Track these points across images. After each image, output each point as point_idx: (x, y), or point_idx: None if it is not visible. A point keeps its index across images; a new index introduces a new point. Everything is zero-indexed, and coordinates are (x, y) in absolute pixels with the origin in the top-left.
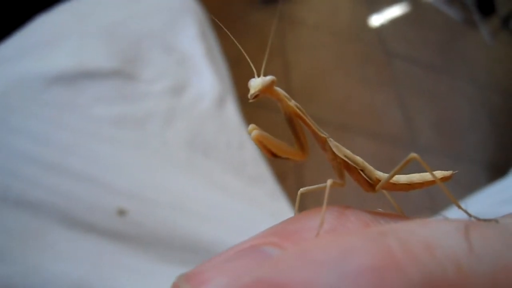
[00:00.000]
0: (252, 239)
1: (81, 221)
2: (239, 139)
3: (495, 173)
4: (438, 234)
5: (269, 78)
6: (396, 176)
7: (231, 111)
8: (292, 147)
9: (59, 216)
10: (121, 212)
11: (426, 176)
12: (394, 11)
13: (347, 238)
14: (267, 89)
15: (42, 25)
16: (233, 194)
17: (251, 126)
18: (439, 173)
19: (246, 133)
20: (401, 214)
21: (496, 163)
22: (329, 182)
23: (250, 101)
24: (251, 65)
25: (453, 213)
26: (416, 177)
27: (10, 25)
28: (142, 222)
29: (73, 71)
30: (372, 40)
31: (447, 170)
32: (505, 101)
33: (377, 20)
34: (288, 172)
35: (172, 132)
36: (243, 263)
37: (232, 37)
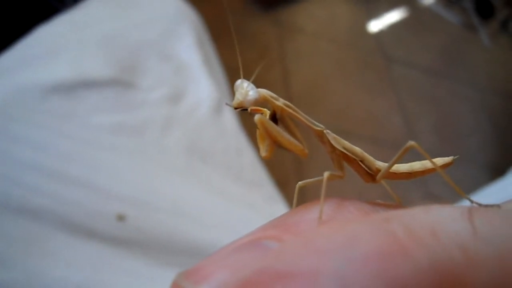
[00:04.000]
0: (251, 233)
1: (81, 227)
2: (237, 145)
3: (496, 174)
4: (442, 219)
5: (251, 96)
6: (397, 165)
7: (229, 118)
8: (295, 141)
9: (60, 222)
10: (121, 218)
11: (427, 163)
12: (393, 17)
13: (351, 225)
14: (249, 105)
15: (41, 36)
16: (232, 198)
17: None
18: (439, 160)
19: (244, 139)
20: (400, 204)
21: (497, 165)
22: (326, 174)
23: (234, 108)
24: (241, 70)
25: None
26: (417, 165)
27: (10, 36)
28: (142, 227)
29: (72, 81)
30: (371, 46)
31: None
32: (505, 103)
33: (375, 26)
34: (289, 177)
35: (170, 139)
36: (243, 257)
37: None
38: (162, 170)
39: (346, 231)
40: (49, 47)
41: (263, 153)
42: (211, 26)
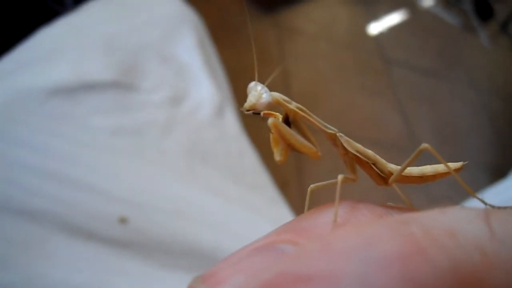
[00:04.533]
0: (265, 237)
1: (83, 229)
2: (238, 147)
3: (497, 176)
4: (459, 221)
5: (265, 99)
6: (409, 168)
7: (231, 120)
8: (308, 143)
9: (61, 225)
10: (122, 220)
11: (438, 168)
12: (392, 19)
13: (369, 227)
14: (262, 108)
15: (42, 39)
16: (233, 200)
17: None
18: (450, 165)
19: (245, 141)
20: (411, 207)
21: (497, 166)
22: (340, 177)
23: (246, 112)
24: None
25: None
26: (428, 169)
27: (11, 39)
28: (143, 229)
29: (72, 83)
30: (371, 47)
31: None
32: (505, 104)
33: (375, 28)
34: (289, 180)
35: (171, 141)
36: (259, 260)
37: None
38: (163, 172)
39: (365, 233)
40: (49, 50)
41: (278, 157)
42: (211, 28)
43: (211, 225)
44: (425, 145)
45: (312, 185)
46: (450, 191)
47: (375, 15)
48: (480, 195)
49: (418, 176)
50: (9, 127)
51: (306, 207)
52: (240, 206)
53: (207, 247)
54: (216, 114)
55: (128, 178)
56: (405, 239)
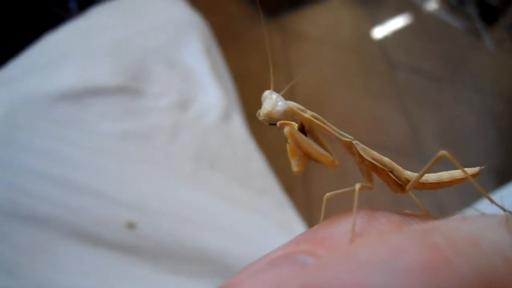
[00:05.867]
0: (283, 247)
1: (90, 234)
2: (245, 151)
3: (502, 179)
4: (481, 229)
5: (281, 107)
6: (425, 175)
7: (237, 125)
8: (325, 152)
9: (68, 230)
10: (130, 225)
11: (454, 173)
12: (397, 23)
13: (391, 237)
14: (277, 116)
15: (48, 44)
16: (240, 205)
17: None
18: (467, 170)
19: (252, 145)
20: (428, 214)
21: (503, 170)
22: (357, 186)
23: (261, 120)
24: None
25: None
26: (445, 175)
27: (16, 45)
28: (151, 234)
29: (79, 89)
30: (375, 52)
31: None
32: (510, 108)
33: (379, 31)
34: (295, 185)
35: (178, 146)
36: (279, 272)
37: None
38: (170, 176)
39: (387, 243)
40: (56, 55)
41: (295, 168)
42: (217, 33)
43: (218, 230)
44: (443, 152)
45: (327, 194)
46: (458, 195)
47: (379, 19)
48: (485, 199)
49: (435, 183)
50: (16, 133)
51: (322, 216)
52: (247, 210)
53: (214, 252)
54: (222, 119)
55: (135, 183)
56: (429, 249)
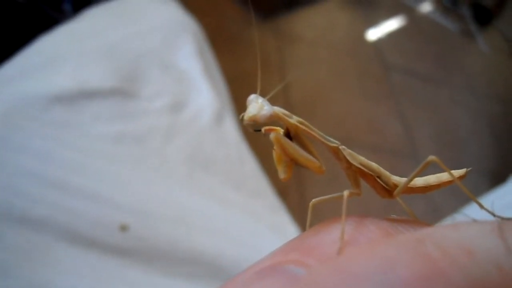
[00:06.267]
0: (270, 257)
1: (84, 236)
2: (239, 153)
3: (496, 181)
4: (474, 237)
5: (266, 111)
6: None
7: (230, 127)
8: (312, 158)
9: (62, 232)
10: (124, 228)
11: (442, 177)
12: (391, 25)
13: (383, 248)
14: (262, 120)
15: (42, 46)
16: (234, 207)
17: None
18: (454, 173)
19: (246, 148)
20: (416, 219)
21: (497, 171)
22: (345, 192)
23: (245, 125)
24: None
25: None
26: (432, 178)
27: (11, 47)
28: (144, 236)
29: (73, 91)
30: (370, 53)
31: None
32: (504, 109)
33: (374, 33)
34: (290, 188)
35: (172, 148)
36: (269, 284)
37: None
38: (164, 179)
39: (381, 254)
40: (50, 57)
41: (282, 175)
42: (211, 35)
43: (212, 232)
44: (432, 157)
45: (314, 200)
46: (452, 198)
47: (374, 21)
48: (480, 200)
49: (423, 187)
50: (11, 134)
51: (308, 222)
52: (240, 212)
53: (208, 254)
54: (216, 121)
55: (129, 185)
56: (423, 260)
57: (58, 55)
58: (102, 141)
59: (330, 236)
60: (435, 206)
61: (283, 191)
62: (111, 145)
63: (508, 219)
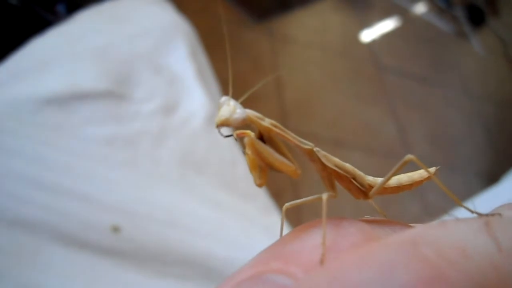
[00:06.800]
0: (250, 266)
1: (76, 238)
2: (231, 156)
3: (489, 181)
4: (464, 236)
5: (239, 114)
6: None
7: (223, 130)
8: (287, 161)
9: (54, 234)
10: (115, 229)
11: (413, 176)
12: (385, 26)
13: (378, 253)
14: (235, 124)
15: (35, 49)
16: (226, 209)
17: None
18: (423, 172)
19: (238, 150)
20: (389, 219)
21: (490, 173)
22: (325, 195)
23: (216, 129)
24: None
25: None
26: (404, 178)
27: (3, 49)
28: (136, 238)
29: (65, 93)
30: (363, 55)
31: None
32: (498, 110)
33: (368, 35)
34: (284, 189)
35: (164, 151)
36: None
37: None
38: (156, 181)
39: (375, 259)
40: (42, 60)
41: (258, 181)
42: (204, 38)
43: (204, 234)
44: (409, 157)
45: (287, 204)
46: (444, 198)
47: (368, 22)
48: (472, 201)
49: (396, 187)
50: (2, 137)
51: (281, 227)
52: (233, 214)
53: (199, 256)
54: (208, 124)
55: (121, 187)
56: (421, 263)
57: (50, 58)
58: (93, 143)
59: (309, 241)
60: (426, 204)
61: (277, 192)
62: (102, 148)
63: (487, 215)
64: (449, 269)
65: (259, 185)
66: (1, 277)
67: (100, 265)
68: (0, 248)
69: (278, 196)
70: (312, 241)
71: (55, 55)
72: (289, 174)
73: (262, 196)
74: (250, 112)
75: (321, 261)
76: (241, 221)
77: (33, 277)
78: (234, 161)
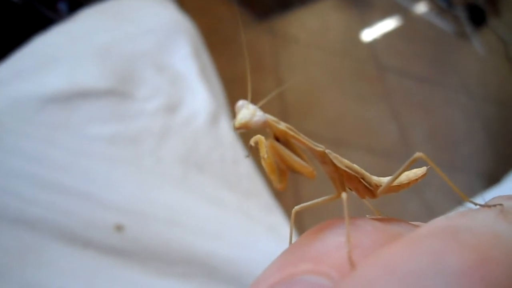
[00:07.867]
0: (278, 269)
1: (79, 237)
2: (233, 154)
3: (490, 182)
4: (488, 223)
5: (259, 117)
6: (388, 178)
7: (225, 128)
8: (305, 163)
9: (57, 233)
10: (119, 228)
11: (409, 175)
12: (386, 25)
13: (423, 243)
14: (255, 127)
15: (37, 47)
16: (228, 208)
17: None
18: (417, 171)
19: (240, 149)
20: (392, 217)
21: (491, 173)
22: (344, 195)
23: (235, 131)
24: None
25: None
26: (402, 177)
27: (5, 48)
28: (139, 237)
29: (67, 92)
30: (364, 54)
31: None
32: (499, 111)
33: (369, 34)
34: (286, 188)
35: (166, 149)
36: None
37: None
38: (159, 180)
39: (424, 250)
40: (44, 58)
41: (279, 185)
42: (206, 36)
43: (207, 233)
44: (419, 154)
45: (296, 207)
46: (442, 196)
47: (369, 22)
48: (476, 199)
49: (397, 185)
50: (5, 136)
51: (290, 232)
52: (235, 213)
53: (202, 255)
54: (211, 122)
55: (124, 186)
56: (468, 249)
57: (53, 56)
58: (96, 142)
59: (332, 241)
60: (427, 204)
61: (278, 191)
62: (105, 146)
63: (489, 205)
64: (493, 251)
65: (281, 189)
66: (4, 275)
67: (103, 264)
68: (3, 247)
69: (278, 195)
70: (334, 241)
71: (57, 53)
72: (307, 175)
73: (264, 195)
74: (268, 116)
75: (349, 259)
76: (243, 219)
77: (36, 275)
78: (237, 159)
